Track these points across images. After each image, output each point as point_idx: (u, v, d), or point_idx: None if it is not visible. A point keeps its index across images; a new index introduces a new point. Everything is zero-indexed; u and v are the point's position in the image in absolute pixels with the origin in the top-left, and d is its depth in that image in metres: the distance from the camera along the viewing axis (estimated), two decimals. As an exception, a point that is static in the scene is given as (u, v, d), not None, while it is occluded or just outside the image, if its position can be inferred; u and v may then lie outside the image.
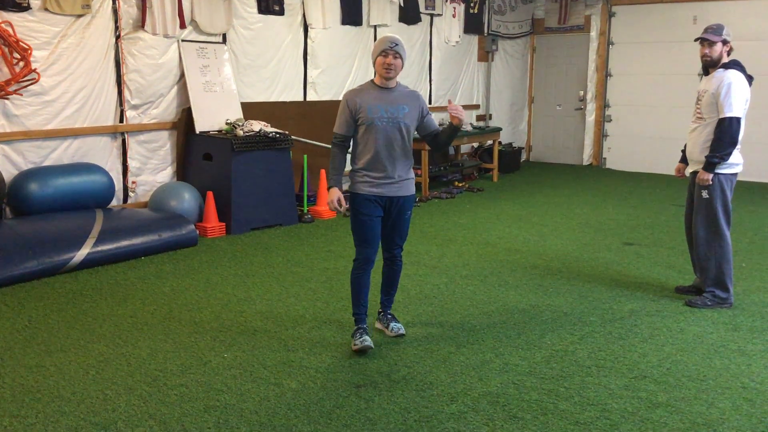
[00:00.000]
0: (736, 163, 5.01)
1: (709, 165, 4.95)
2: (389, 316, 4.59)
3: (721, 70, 4.97)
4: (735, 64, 4.97)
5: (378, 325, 4.62)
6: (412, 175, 4.38)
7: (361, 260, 4.31)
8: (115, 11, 6.86)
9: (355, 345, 4.24)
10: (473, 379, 3.90)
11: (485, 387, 3.81)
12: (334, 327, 4.69)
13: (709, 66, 5.06)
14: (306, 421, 3.42)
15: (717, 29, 4.98)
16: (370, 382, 3.86)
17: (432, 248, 6.76)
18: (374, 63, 4.21)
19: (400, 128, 4.21)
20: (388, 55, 4.14)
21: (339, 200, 4.26)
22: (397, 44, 4.15)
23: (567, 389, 3.80)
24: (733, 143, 4.91)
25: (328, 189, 4.31)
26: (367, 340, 4.25)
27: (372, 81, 4.31)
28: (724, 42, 4.97)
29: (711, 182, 4.98)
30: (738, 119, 4.88)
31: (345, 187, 5.07)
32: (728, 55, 5.02)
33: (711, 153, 4.93)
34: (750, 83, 4.98)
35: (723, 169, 4.98)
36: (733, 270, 5.18)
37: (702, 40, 5.01)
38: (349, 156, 4.42)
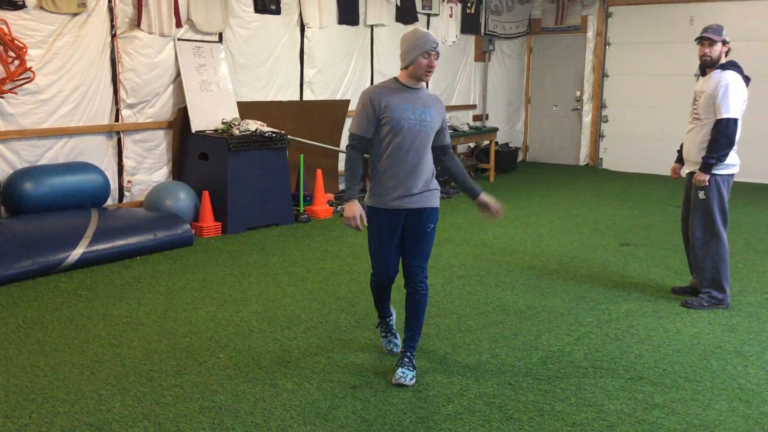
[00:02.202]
0: (732, 164, 5.01)
1: (706, 166, 4.94)
2: (405, 359, 3.89)
3: (718, 71, 4.97)
4: (732, 65, 4.97)
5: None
6: (436, 185, 3.95)
7: (377, 281, 4.03)
8: (110, 10, 6.83)
9: (384, 347, 4.24)
10: (469, 380, 3.89)
11: (481, 388, 3.80)
12: (330, 327, 4.67)
13: (707, 66, 5.05)
14: (301, 422, 3.41)
15: (717, 29, 4.97)
16: (366, 383, 3.84)
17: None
18: (410, 62, 3.76)
19: (426, 133, 3.82)
20: (431, 55, 3.75)
21: (360, 218, 3.79)
22: (438, 44, 3.81)
23: (563, 390, 3.79)
24: (730, 144, 4.90)
25: (346, 201, 3.81)
26: (393, 347, 4.20)
27: (396, 79, 3.86)
28: (724, 42, 4.96)
29: (708, 183, 4.98)
30: (735, 120, 4.88)
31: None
32: (726, 56, 5.02)
33: (708, 154, 4.93)
34: (747, 84, 4.97)
35: (720, 170, 4.97)
36: (729, 271, 5.17)
37: (703, 39, 5.00)
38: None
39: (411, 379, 3.82)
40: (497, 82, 12.47)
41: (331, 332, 4.58)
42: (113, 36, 6.90)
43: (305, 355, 4.22)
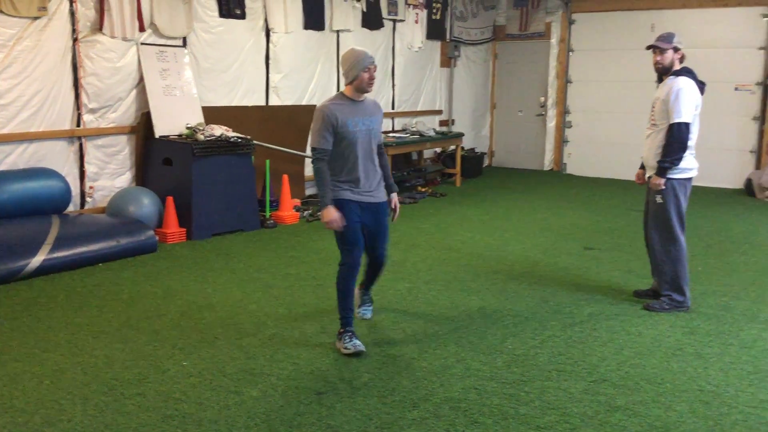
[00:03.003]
0: (689, 168, 5.11)
1: (661, 170, 5.04)
2: (366, 297, 4.97)
3: (672, 77, 5.08)
4: (686, 72, 5.07)
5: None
6: (382, 182, 4.57)
7: (349, 264, 4.39)
8: (72, 13, 6.74)
9: (346, 349, 4.29)
10: (435, 385, 3.91)
11: (447, 392, 3.82)
12: (296, 334, 4.65)
13: (661, 73, 5.17)
14: (267, 430, 3.39)
15: (667, 37, 5.09)
16: (331, 389, 3.84)
17: (394, 253, 6.75)
18: (354, 77, 4.28)
19: (374, 138, 4.42)
20: (371, 69, 4.29)
21: (340, 219, 4.25)
22: (374, 59, 4.36)
23: (527, 393, 3.82)
24: (683, 148, 5.00)
25: (324, 207, 4.27)
26: (359, 345, 4.31)
27: (342, 94, 4.40)
28: (675, 49, 5.07)
29: (664, 187, 5.07)
30: (687, 124, 4.97)
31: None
32: (681, 62, 5.13)
33: (662, 158, 5.03)
34: (702, 90, 5.08)
35: (676, 174, 5.06)
36: (689, 274, 5.27)
37: (653, 48, 5.12)
38: None
39: (369, 315, 4.95)
40: (463, 87, 12.56)
41: (297, 338, 4.57)
42: (75, 40, 6.80)
43: (270, 362, 4.20)
